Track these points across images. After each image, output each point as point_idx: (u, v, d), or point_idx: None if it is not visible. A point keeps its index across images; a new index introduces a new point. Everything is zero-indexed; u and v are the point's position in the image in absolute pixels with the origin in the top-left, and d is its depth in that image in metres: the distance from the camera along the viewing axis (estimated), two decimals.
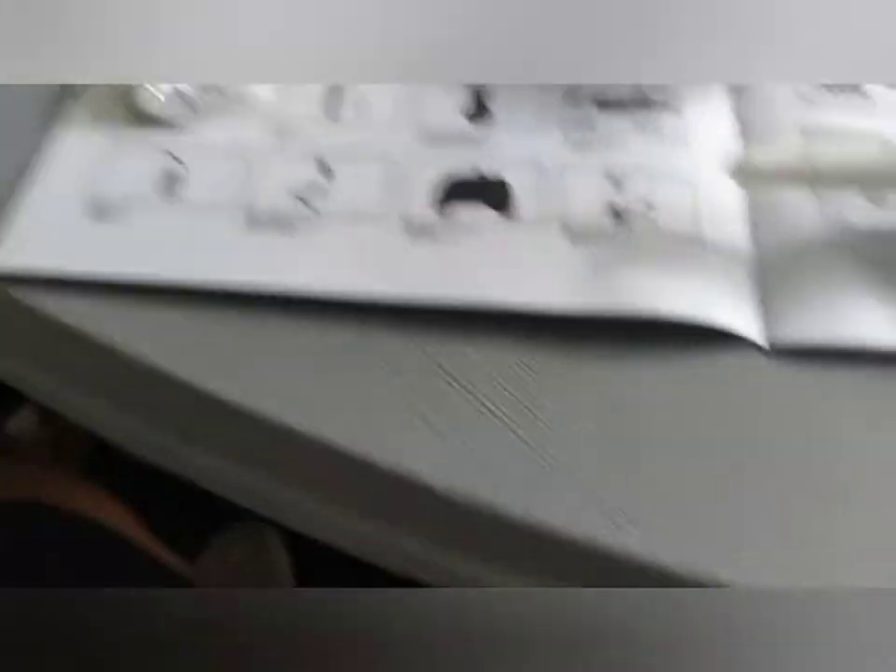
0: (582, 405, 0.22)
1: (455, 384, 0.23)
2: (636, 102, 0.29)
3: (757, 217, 0.26)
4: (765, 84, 0.30)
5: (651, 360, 0.23)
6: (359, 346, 0.23)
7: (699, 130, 0.28)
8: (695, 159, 0.27)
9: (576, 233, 0.25)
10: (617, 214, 0.25)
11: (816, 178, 0.23)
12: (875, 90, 0.30)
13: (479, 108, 0.28)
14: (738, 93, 0.30)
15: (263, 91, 0.29)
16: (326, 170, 0.27)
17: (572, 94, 0.29)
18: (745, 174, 0.23)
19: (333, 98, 0.29)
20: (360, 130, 0.28)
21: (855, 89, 0.30)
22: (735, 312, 0.24)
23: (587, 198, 0.26)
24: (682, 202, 0.26)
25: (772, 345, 0.24)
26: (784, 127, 0.28)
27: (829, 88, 0.30)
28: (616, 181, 0.26)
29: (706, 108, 0.29)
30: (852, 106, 0.29)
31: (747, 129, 0.29)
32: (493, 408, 0.22)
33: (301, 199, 0.26)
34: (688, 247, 0.25)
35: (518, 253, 0.25)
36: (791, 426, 0.22)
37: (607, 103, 0.29)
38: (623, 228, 0.25)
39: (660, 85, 0.29)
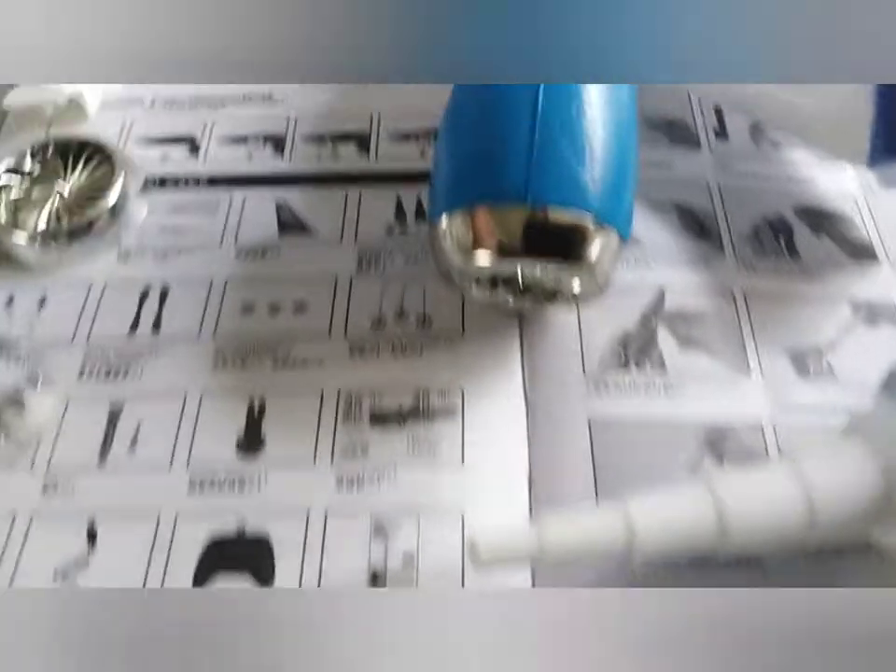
0: None
1: None
2: (413, 412, 0.28)
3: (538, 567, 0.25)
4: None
5: None
6: None
7: (482, 445, 0.27)
8: (471, 488, 0.26)
9: None
10: (376, 578, 0.24)
11: (543, 557, 0.22)
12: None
13: (251, 439, 0.27)
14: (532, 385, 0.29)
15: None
16: (92, 537, 0.26)
17: (348, 412, 0.28)
18: (475, 560, 0.22)
19: (108, 434, 0.28)
20: (130, 474, 0.27)
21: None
22: None
23: (349, 561, 0.25)
24: (449, 553, 0.25)
25: None
26: (574, 423, 0.28)
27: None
28: (382, 531, 0.25)
29: (495, 414, 0.28)
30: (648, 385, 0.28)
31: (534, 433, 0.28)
32: None
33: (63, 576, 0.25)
34: None
35: None
36: None
37: (382, 417, 0.28)
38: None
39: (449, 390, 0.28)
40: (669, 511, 0.22)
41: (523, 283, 0.28)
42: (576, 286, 0.27)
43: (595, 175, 0.26)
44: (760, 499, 0.22)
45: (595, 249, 0.26)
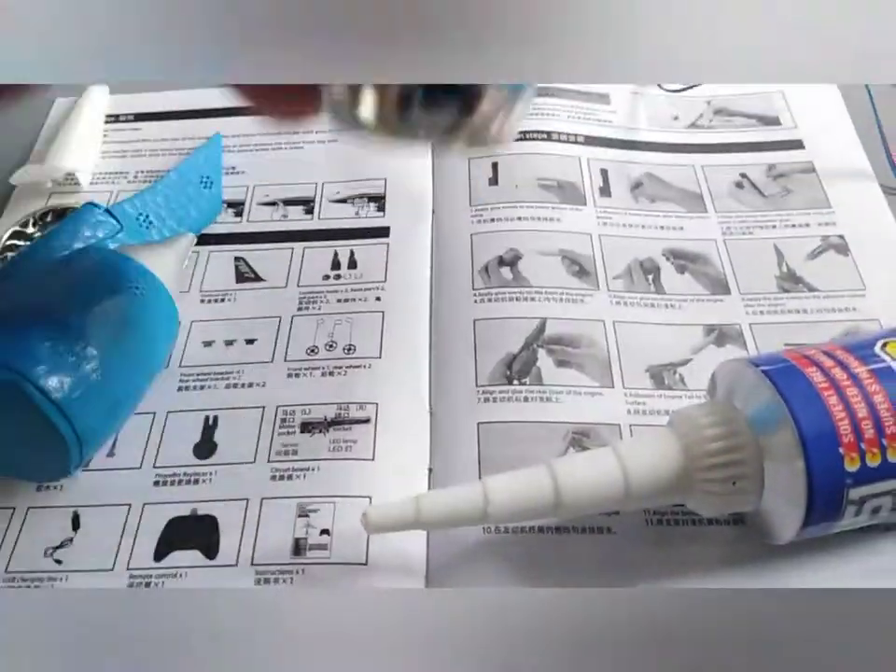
0: None
1: None
2: (335, 421, 0.34)
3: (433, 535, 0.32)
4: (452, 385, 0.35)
5: None
6: None
7: (390, 446, 0.34)
8: (379, 479, 0.33)
9: (262, 574, 0.30)
10: (298, 549, 0.31)
11: (425, 525, 0.28)
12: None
13: (207, 442, 0.34)
14: (435, 397, 0.35)
15: None
16: (76, 523, 0.33)
17: (283, 422, 0.35)
18: (367, 527, 0.28)
19: None
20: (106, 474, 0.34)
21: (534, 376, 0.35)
22: None
23: (278, 534, 0.31)
24: (357, 528, 0.31)
25: None
26: (466, 426, 0.34)
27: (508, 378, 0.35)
28: (305, 511, 0.32)
29: (404, 424, 0.35)
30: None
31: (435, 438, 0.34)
32: None
33: (52, 556, 0.32)
34: (359, 578, 0.30)
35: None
36: None
37: (310, 425, 0.34)
38: (299, 564, 0.30)
39: (366, 403, 0.35)
40: (516, 486, 0.28)
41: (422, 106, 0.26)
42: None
43: None
44: (588, 477, 0.29)
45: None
